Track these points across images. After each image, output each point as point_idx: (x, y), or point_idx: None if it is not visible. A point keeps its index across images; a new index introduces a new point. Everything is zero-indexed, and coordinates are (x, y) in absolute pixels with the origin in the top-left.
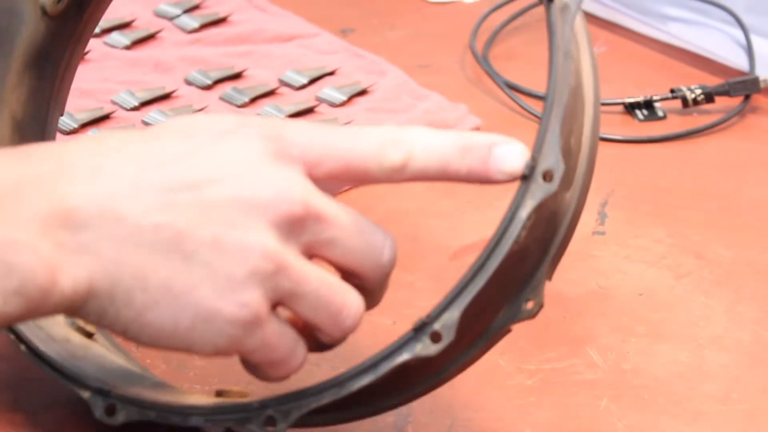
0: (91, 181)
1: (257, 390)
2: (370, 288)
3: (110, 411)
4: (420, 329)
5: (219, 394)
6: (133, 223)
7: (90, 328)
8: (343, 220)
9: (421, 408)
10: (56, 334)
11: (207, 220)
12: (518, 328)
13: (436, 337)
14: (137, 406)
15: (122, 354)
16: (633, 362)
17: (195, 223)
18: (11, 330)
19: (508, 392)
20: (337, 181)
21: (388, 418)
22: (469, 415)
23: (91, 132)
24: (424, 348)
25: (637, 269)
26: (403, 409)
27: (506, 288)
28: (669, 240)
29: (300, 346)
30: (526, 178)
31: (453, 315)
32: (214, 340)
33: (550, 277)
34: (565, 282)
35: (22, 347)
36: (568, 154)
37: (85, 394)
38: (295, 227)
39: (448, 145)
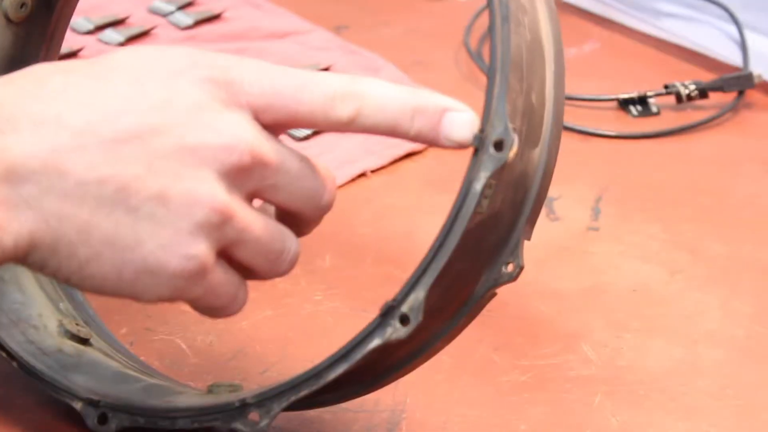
0: (33, 133)
1: (249, 384)
2: (306, 225)
3: (102, 420)
4: (387, 313)
5: (210, 390)
6: (77, 178)
7: (84, 334)
8: (287, 165)
9: (415, 404)
10: (48, 347)
11: (153, 172)
12: (512, 325)
13: (404, 320)
14: (127, 413)
15: (121, 354)
16: (627, 358)
17: (140, 176)
18: (1, 347)
19: (503, 388)
20: (283, 128)
21: (383, 414)
22: (463, 411)
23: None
24: (394, 332)
25: (631, 265)
26: (397, 406)
27: (481, 255)
28: (663, 236)
29: (242, 290)
30: (477, 150)
31: (419, 296)
32: (158, 291)
33: (528, 237)
34: (560, 278)
35: (14, 364)
36: (530, 112)
37: (77, 405)
38: (242, 175)
39: (400, 105)
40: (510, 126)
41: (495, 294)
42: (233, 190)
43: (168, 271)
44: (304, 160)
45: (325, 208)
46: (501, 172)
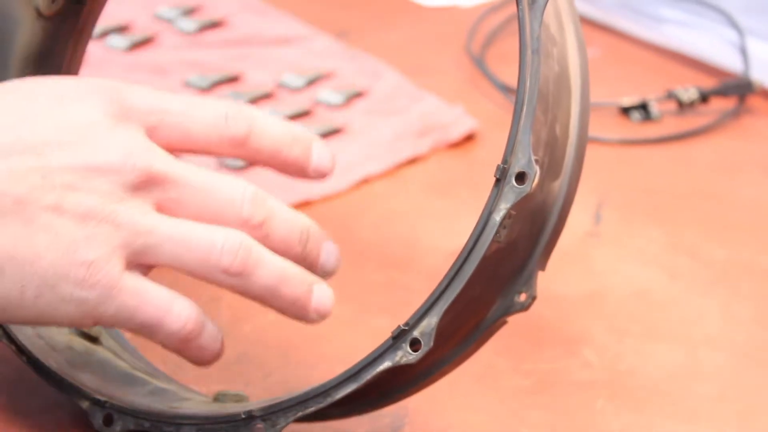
0: None
1: (253, 389)
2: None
3: (108, 421)
4: (399, 337)
5: (216, 398)
6: None
7: (94, 332)
8: (191, 177)
9: (417, 409)
10: (58, 344)
11: (49, 183)
12: (514, 329)
13: (415, 344)
14: (132, 416)
15: (129, 354)
16: (628, 362)
17: (36, 189)
18: (11, 341)
19: (505, 393)
20: (176, 151)
21: (385, 419)
22: (465, 416)
23: None
24: (404, 355)
25: (633, 270)
26: (399, 411)
27: (495, 283)
28: (664, 240)
29: (179, 302)
30: (499, 180)
31: (431, 321)
32: (64, 308)
33: (543, 268)
34: (561, 283)
35: (24, 359)
36: (554, 144)
37: (84, 404)
38: (140, 188)
39: (282, 134)
40: (533, 158)
41: (506, 322)
42: (133, 201)
43: (68, 282)
44: (211, 172)
45: (247, 217)
46: (521, 203)
